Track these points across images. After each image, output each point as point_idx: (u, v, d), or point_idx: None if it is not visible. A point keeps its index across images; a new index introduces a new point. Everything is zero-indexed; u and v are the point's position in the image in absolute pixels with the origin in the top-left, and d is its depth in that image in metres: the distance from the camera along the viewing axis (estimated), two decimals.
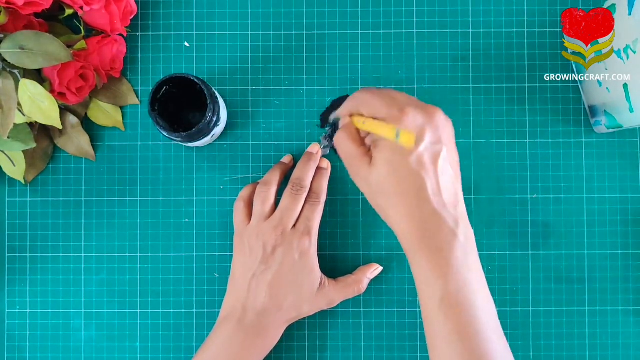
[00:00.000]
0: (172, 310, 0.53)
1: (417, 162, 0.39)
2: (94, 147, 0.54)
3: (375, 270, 0.52)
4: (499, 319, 0.52)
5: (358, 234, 0.53)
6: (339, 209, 0.53)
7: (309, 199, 0.50)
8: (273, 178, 0.50)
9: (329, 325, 0.53)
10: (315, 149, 0.52)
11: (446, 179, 0.40)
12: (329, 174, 0.52)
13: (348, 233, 0.53)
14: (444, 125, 0.41)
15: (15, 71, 0.46)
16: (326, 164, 0.52)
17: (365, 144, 0.43)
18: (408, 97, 0.42)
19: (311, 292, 0.49)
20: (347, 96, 0.53)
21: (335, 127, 0.50)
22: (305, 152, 0.52)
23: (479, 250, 0.52)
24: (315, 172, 0.51)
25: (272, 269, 0.48)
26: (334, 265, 0.53)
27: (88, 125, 0.53)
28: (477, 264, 0.41)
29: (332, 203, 0.53)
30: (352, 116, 0.44)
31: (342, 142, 0.43)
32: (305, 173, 0.50)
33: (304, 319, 0.53)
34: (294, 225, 0.49)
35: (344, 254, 0.53)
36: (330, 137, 0.52)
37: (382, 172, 0.40)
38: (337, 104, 0.53)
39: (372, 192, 0.42)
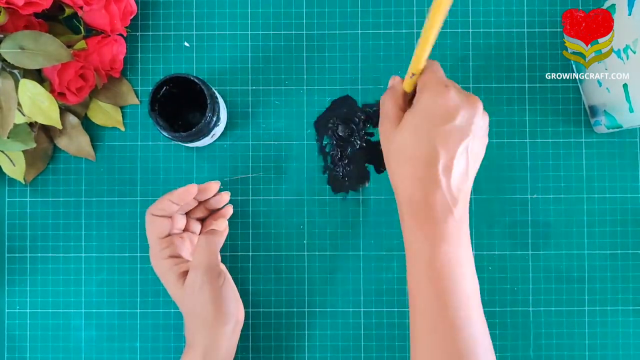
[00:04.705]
0: (172, 311, 0.53)
1: (441, 138, 0.41)
2: (94, 147, 0.54)
3: None
4: (499, 319, 0.53)
5: (358, 234, 0.53)
6: (338, 209, 0.53)
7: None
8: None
9: (329, 325, 0.53)
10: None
11: (460, 163, 0.41)
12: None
13: (348, 233, 0.53)
14: (479, 116, 0.42)
15: (15, 71, 0.46)
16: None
17: (404, 111, 0.45)
18: (460, 89, 0.44)
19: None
20: (347, 96, 0.54)
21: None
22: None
23: (479, 251, 0.53)
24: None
25: None
26: (334, 265, 0.53)
27: (88, 125, 0.53)
28: (468, 244, 0.42)
29: (333, 203, 0.53)
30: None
31: (386, 101, 0.45)
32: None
33: (305, 319, 0.53)
34: None
35: (344, 254, 0.53)
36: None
37: (405, 136, 0.42)
38: (337, 103, 0.53)
39: (390, 152, 0.43)
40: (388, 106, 0.45)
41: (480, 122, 0.42)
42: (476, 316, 0.41)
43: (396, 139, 0.43)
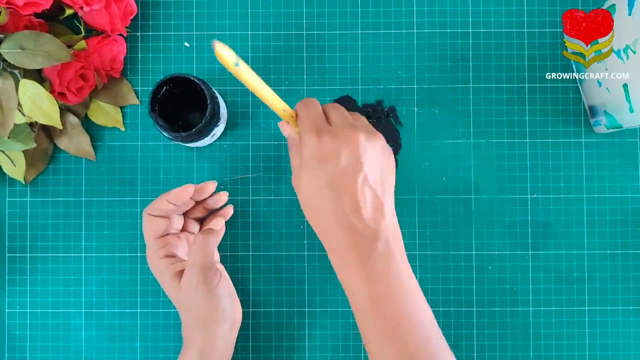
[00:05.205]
0: (172, 311, 0.53)
1: (335, 184, 0.41)
2: (94, 147, 0.54)
3: None
4: (499, 319, 0.53)
5: None
6: None
7: None
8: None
9: (329, 325, 0.53)
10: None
11: (366, 195, 0.41)
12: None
13: None
14: (365, 147, 0.42)
15: (16, 71, 0.46)
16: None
17: None
18: (336, 128, 0.43)
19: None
20: (347, 96, 0.54)
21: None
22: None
23: (479, 251, 0.53)
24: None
25: None
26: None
27: (88, 125, 0.53)
28: (401, 271, 0.41)
29: None
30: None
31: (291, 155, 0.45)
32: None
33: (306, 319, 0.53)
34: None
35: None
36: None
37: (304, 192, 0.42)
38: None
39: (302, 206, 0.43)
40: (292, 159, 0.45)
41: (368, 150, 0.42)
42: (429, 335, 0.41)
43: (300, 197, 0.43)
